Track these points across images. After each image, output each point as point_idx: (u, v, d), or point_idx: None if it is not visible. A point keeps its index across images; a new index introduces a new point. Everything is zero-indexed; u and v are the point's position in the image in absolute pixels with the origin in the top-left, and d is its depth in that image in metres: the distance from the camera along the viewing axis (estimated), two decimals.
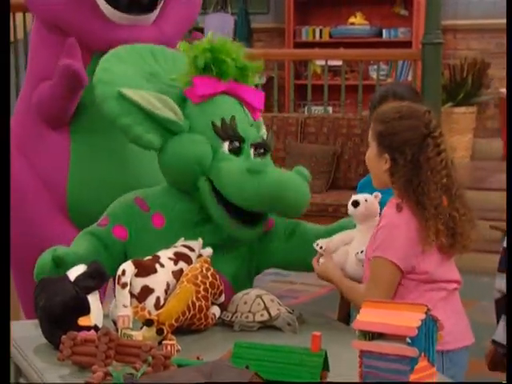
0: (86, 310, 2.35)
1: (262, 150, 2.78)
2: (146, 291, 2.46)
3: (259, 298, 2.54)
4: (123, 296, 2.43)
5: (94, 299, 2.38)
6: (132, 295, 2.45)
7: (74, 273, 2.43)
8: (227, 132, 2.73)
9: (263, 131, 2.90)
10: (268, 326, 2.52)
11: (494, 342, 2.67)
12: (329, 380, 2.07)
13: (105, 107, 2.78)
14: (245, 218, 2.68)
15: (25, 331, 2.50)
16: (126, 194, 2.87)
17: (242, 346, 2.13)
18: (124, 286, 2.42)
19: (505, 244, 2.63)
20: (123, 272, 2.44)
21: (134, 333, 2.28)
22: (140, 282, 2.46)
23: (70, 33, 3.36)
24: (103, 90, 2.79)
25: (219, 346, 2.31)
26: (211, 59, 2.77)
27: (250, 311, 2.51)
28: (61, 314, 2.32)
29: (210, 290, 2.48)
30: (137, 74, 2.84)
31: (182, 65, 2.84)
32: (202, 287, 2.45)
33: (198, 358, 2.20)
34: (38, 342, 2.39)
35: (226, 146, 2.72)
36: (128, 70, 2.84)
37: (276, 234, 2.83)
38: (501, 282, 2.62)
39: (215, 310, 2.54)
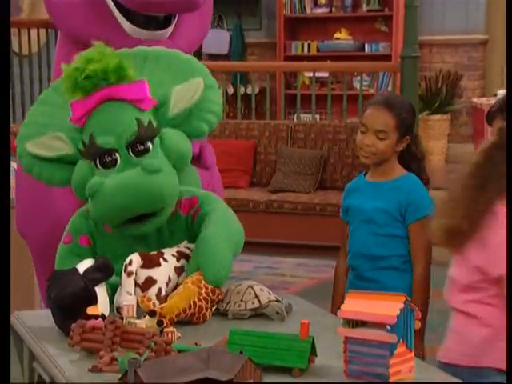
0: (94, 300, 2.35)
1: (141, 147, 2.57)
2: (150, 282, 2.45)
3: (250, 288, 2.53)
4: (128, 284, 2.43)
5: (101, 290, 2.37)
6: (136, 284, 2.45)
7: (83, 266, 2.42)
8: (89, 151, 2.59)
9: (180, 102, 2.64)
10: (259, 314, 2.51)
11: None
12: (316, 364, 2.06)
13: (21, 164, 2.77)
14: (133, 220, 2.58)
15: (38, 320, 2.49)
16: (80, 208, 2.79)
17: (236, 333, 2.12)
18: (130, 274, 2.42)
19: None
20: (130, 262, 2.44)
21: (137, 321, 2.28)
22: (145, 273, 2.46)
23: (86, 43, 3.35)
24: (18, 149, 2.74)
25: (215, 333, 2.30)
26: (72, 83, 2.60)
27: (241, 300, 2.51)
28: (71, 304, 2.31)
29: (210, 294, 2.47)
30: (42, 118, 2.73)
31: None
32: (203, 290, 2.45)
33: (196, 344, 2.19)
34: (50, 330, 2.38)
35: (98, 163, 2.58)
36: (36, 116, 2.76)
37: (198, 226, 2.64)
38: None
39: None
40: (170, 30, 3.35)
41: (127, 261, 2.44)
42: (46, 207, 3.54)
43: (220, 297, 2.51)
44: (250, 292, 2.52)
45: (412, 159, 2.81)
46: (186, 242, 2.63)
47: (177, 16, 3.39)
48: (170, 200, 2.60)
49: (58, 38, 3.66)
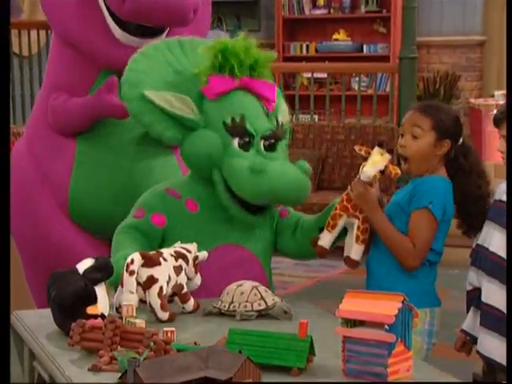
0: (93, 299, 2.34)
1: (272, 141, 2.76)
2: (151, 280, 2.45)
3: (255, 289, 2.53)
4: (130, 283, 2.43)
5: (100, 290, 2.37)
6: (138, 283, 2.45)
7: (83, 266, 2.42)
8: (236, 130, 2.72)
9: (283, 118, 2.87)
10: (262, 315, 2.50)
11: (462, 330, 2.64)
12: (314, 363, 2.06)
13: (129, 107, 2.80)
14: (249, 207, 2.72)
15: (38, 319, 2.49)
16: (154, 187, 2.87)
17: (235, 332, 2.12)
18: (132, 273, 2.42)
19: (478, 242, 2.60)
20: (132, 261, 2.44)
21: (137, 321, 2.27)
22: (146, 272, 2.46)
23: (81, 50, 3.35)
24: (128, 92, 2.80)
25: (215, 332, 2.29)
26: (223, 60, 2.75)
27: (247, 301, 2.50)
28: (71, 304, 2.31)
29: None
30: (162, 73, 2.82)
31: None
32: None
33: (195, 344, 2.19)
34: (50, 329, 2.38)
35: (235, 142, 2.72)
36: (154, 69, 2.82)
37: (287, 224, 2.88)
38: (471, 275, 2.61)
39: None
40: (162, 37, 3.33)
41: (129, 260, 2.45)
42: (25, 203, 3.54)
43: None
44: (255, 293, 2.51)
45: (458, 170, 2.68)
46: (179, 242, 2.63)
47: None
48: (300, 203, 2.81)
49: (51, 38, 3.66)
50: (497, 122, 2.62)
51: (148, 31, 3.28)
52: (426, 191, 2.61)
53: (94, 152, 3.41)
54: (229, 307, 2.51)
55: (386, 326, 1.96)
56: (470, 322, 2.60)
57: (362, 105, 7.35)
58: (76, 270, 2.40)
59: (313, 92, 7.56)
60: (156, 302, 2.42)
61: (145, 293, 2.44)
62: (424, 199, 2.59)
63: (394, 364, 1.98)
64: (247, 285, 2.55)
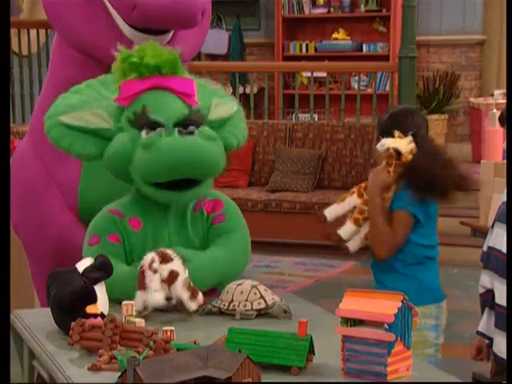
0: (93, 299, 2.34)
1: (191, 127, 2.70)
2: (174, 275, 2.46)
3: (255, 288, 2.53)
4: (155, 281, 2.44)
5: (100, 289, 2.37)
6: (161, 281, 2.46)
7: (82, 265, 2.42)
8: (140, 121, 2.70)
9: (218, 109, 2.85)
10: (262, 314, 2.50)
11: (478, 333, 2.62)
12: (314, 362, 2.06)
13: (50, 137, 2.82)
14: (171, 187, 2.66)
15: (38, 318, 2.49)
16: (101, 211, 2.85)
17: (235, 331, 2.12)
18: (155, 271, 2.44)
19: (489, 244, 2.58)
20: (152, 260, 2.45)
21: (136, 320, 2.28)
22: (166, 268, 2.47)
23: (88, 49, 3.35)
24: (48, 123, 2.82)
25: (214, 332, 2.29)
26: (129, 65, 2.74)
27: (247, 300, 2.50)
28: (70, 303, 2.31)
29: None
30: (84, 99, 2.83)
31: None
32: None
33: (195, 343, 2.19)
34: (50, 329, 2.38)
35: (144, 133, 2.69)
36: (76, 98, 2.85)
37: (216, 234, 2.78)
38: (483, 278, 2.60)
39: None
40: (169, 35, 3.35)
41: (148, 259, 2.46)
42: (32, 205, 3.55)
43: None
44: (255, 292, 2.51)
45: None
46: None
47: None
48: (216, 170, 2.72)
49: (54, 38, 3.66)
50: (503, 121, 2.63)
51: (156, 29, 3.31)
52: (397, 195, 2.72)
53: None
54: (228, 306, 2.51)
55: (386, 326, 1.96)
56: (485, 323, 2.58)
57: (361, 104, 7.35)
58: (75, 270, 2.40)
59: (312, 91, 7.56)
60: (184, 294, 2.44)
61: (169, 289, 2.45)
62: (396, 203, 2.71)
63: (394, 363, 1.98)
64: (247, 284, 2.55)
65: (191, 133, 2.68)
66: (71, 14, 3.34)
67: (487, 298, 2.57)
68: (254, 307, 2.49)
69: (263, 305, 2.49)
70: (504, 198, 2.56)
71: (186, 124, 2.70)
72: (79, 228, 3.48)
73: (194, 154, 2.62)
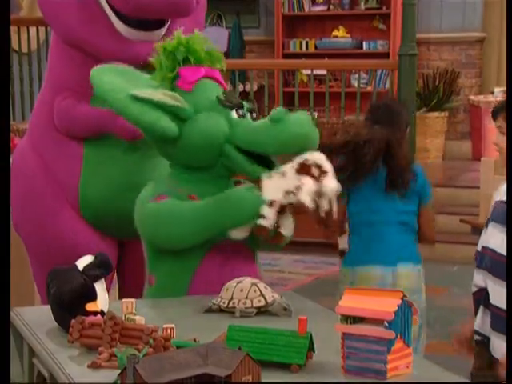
0: (93, 296, 2.34)
1: (254, 115, 2.87)
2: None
3: (255, 286, 2.53)
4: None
5: (100, 287, 2.37)
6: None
7: (83, 263, 2.42)
8: (232, 101, 2.83)
9: None
10: (262, 311, 2.50)
11: (474, 332, 2.61)
12: (314, 360, 2.06)
13: (125, 111, 2.77)
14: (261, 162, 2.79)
15: (38, 316, 2.49)
16: (143, 194, 2.85)
17: (235, 329, 2.12)
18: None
19: (483, 243, 2.58)
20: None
21: (136, 317, 2.28)
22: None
23: (84, 47, 3.35)
24: (116, 98, 2.77)
25: (214, 329, 2.29)
26: (186, 51, 2.85)
27: (247, 298, 2.50)
28: (70, 301, 2.31)
29: None
30: (126, 82, 2.85)
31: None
32: None
33: (194, 340, 2.19)
34: (50, 326, 2.38)
35: (234, 113, 2.81)
36: (119, 79, 2.86)
37: None
38: (477, 277, 2.59)
39: None
40: (163, 30, 3.34)
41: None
42: (32, 203, 3.55)
43: None
44: (254, 289, 2.51)
45: None
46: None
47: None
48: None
49: (51, 36, 3.66)
50: (494, 114, 2.63)
51: (151, 24, 3.30)
52: None
53: (102, 149, 3.41)
54: (228, 304, 2.51)
55: (386, 323, 1.96)
56: (480, 321, 2.58)
57: (361, 102, 7.34)
58: (75, 267, 2.40)
59: (312, 89, 7.55)
60: None
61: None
62: None
63: (394, 360, 1.98)
64: (247, 281, 2.55)
65: (256, 119, 2.86)
66: (66, 13, 3.34)
67: (480, 296, 2.56)
68: (254, 305, 2.49)
69: (263, 302, 2.49)
70: (498, 196, 2.55)
71: (252, 111, 2.87)
72: (81, 226, 3.48)
73: (315, 132, 2.79)
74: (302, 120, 2.77)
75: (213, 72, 2.91)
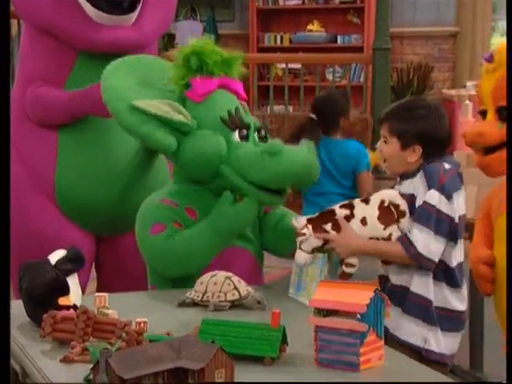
0: (65, 290, 2.33)
1: (263, 133, 2.81)
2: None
3: (228, 279, 2.52)
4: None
5: (72, 281, 2.36)
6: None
7: (55, 257, 2.40)
8: (235, 122, 2.75)
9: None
10: (236, 305, 2.50)
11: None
12: (287, 353, 2.06)
13: (123, 121, 2.75)
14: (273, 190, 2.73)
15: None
16: (144, 202, 2.82)
17: (208, 322, 2.12)
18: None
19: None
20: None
21: (109, 311, 2.27)
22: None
23: (55, 34, 3.32)
24: (116, 107, 2.75)
25: (187, 323, 2.29)
26: (200, 60, 2.77)
27: (221, 291, 2.49)
28: (42, 295, 2.29)
29: None
30: (137, 84, 2.82)
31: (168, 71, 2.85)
32: None
33: (168, 334, 2.18)
34: (22, 321, 2.36)
35: (236, 135, 2.74)
36: (129, 81, 2.82)
37: (270, 220, 2.87)
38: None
39: None
40: (134, 14, 3.32)
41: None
42: (15, 196, 3.52)
43: None
44: (228, 283, 2.51)
45: None
46: None
47: (141, 1, 3.36)
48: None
49: (22, 28, 3.63)
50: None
51: (121, 9, 3.27)
52: None
53: (77, 135, 3.37)
54: (202, 297, 2.50)
55: (358, 316, 1.96)
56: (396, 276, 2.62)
57: None
58: (48, 261, 2.39)
59: (287, 83, 7.56)
60: None
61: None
62: None
63: (366, 353, 1.98)
64: (220, 275, 2.54)
65: (265, 138, 2.79)
66: (36, 1, 3.31)
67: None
68: (228, 298, 2.48)
69: (237, 296, 2.49)
70: (422, 198, 2.55)
71: (261, 129, 2.80)
72: (58, 219, 3.44)
73: (313, 166, 2.71)
74: (298, 154, 2.67)
75: (229, 82, 2.82)
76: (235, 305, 2.49)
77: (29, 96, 3.41)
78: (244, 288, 2.51)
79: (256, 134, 2.78)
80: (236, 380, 1.85)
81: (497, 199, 2.46)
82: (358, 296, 1.98)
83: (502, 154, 2.39)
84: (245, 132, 2.75)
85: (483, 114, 2.47)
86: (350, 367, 1.98)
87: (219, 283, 2.51)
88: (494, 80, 2.44)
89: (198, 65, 2.76)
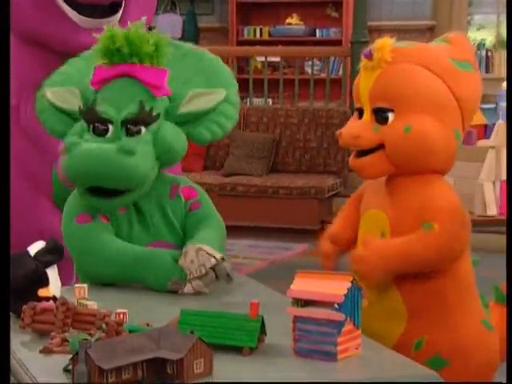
0: (45, 282, 2.32)
1: (135, 128, 2.61)
2: None
3: (200, 250, 2.53)
4: None
5: (52, 272, 2.35)
6: None
7: (34, 248, 2.39)
8: (87, 115, 2.64)
9: (187, 106, 2.71)
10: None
11: None
12: (266, 343, 2.07)
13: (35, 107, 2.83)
14: (96, 193, 2.61)
15: None
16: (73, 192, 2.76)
17: (187, 313, 2.12)
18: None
19: None
20: None
21: (89, 302, 2.26)
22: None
23: (37, 38, 3.31)
24: (39, 92, 2.83)
25: (167, 314, 2.29)
26: (103, 49, 2.65)
27: (200, 265, 2.51)
28: (22, 286, 2.28)
29: None
30: (69, 73, 2.82)
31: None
32: None
33: (147, 325, 2.18)
34: None
35: (91, 128, 2.64)
36: (63, 70, 2.85)
37: (191, 220, 2.76)
38: None
39: None
40: (117, 17, 3.32)
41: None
42: (15, 195, 3.51)
43: None
44: (202, 254, 2.51)
45: None
46: None
47: (123, 3, 3.35)
48: (134, 183, 2.60)
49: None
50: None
51: (103, 12, 3.27)
52: None
53: None
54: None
55: (336, 305, 1.97)
56: None
57: (315, 88, 7.38)
58: (27, 253, 2.37)
59: (266, 76, 7.57)
60: None
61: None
62: None
63: (343, 342, 1.99)
64: (191, 251, 2.53)
65: (138, 132, 2.61)
66: (18, 2, 3.30)
67: None
68: (208, 266, 2.50)
69: (214, 261, 2.51)
70: None
71: (135, 122, 2.61)
72: (56, 217, 3.43)
73: (103, 165, 2.55)
74: (92, 151, 2.54)
75: (134, 70, 2.62)
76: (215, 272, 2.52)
77: (27, 116, 3.42)
78: (216, 253, 2.53)
79: (124, 128, 2.60)
80: (215, 370, 1.85)
81: (366, 195, 2.48)
82: (336, 286, 1.99)
83: (374, 157, 2.34)
84: (100, 127, 2.61)
85: (360, 111, 2.40)
86: (327, 357, 1.98)
87: (195, 259, 2.51)
88: (371, 79, 2.38)
89: (106, 51, 2.64)
